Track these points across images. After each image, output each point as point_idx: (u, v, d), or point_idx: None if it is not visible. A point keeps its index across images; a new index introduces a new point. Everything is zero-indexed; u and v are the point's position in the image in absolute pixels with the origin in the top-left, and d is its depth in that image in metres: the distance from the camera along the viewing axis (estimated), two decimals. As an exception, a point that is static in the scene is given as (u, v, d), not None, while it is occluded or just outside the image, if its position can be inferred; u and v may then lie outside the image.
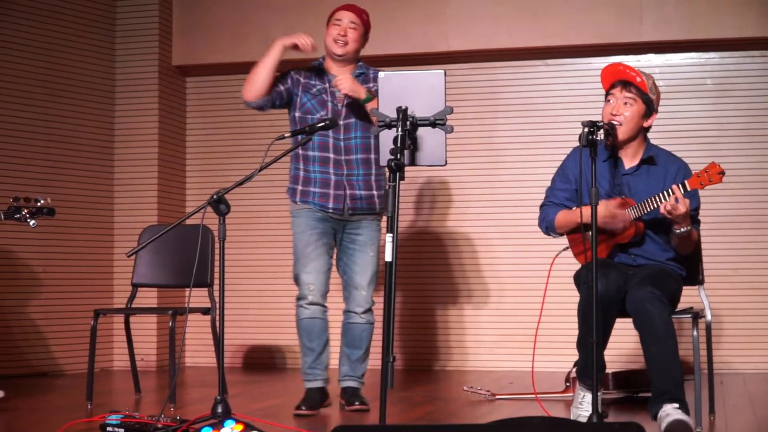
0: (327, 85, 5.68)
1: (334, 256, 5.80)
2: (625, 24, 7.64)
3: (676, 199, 4.61)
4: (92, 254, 8.06)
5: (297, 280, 5.66)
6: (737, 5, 7.47)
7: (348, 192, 5.63)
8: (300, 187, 5.65)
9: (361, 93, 5.52)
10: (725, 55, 7.74)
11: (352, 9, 5.75)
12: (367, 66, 5.81)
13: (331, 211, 5.63)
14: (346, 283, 5.75)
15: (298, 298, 5.64)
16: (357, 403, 5.62)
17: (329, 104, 5.64)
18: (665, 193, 4.69)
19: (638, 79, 4.86)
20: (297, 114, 5.65)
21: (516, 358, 7.71)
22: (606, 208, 4.76)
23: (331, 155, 5.62)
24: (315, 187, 5.63)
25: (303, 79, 5.69)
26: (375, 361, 7.81)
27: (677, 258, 4.96)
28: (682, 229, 4.73)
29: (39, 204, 5.81)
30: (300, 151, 5.62)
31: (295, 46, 5.54)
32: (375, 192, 5.70)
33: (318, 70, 5.75)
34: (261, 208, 8.28)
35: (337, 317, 5.89)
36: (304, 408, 5.47)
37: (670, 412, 4.49)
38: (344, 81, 5.53)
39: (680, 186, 4.65)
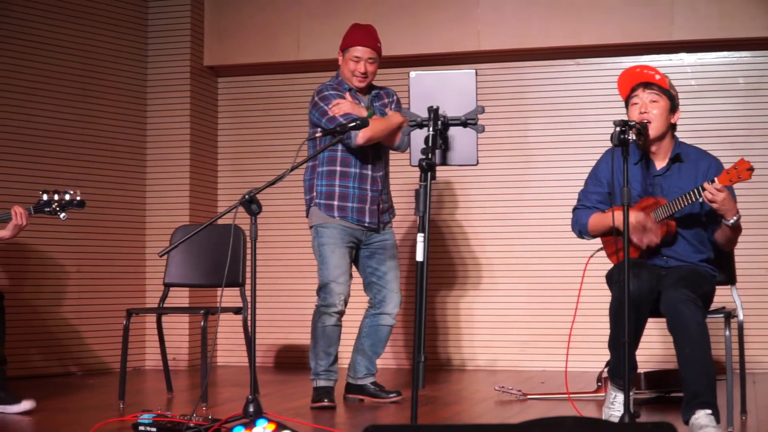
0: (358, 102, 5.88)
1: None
2: (656, 23, 7.61)
3: (712, 192, 4.59)
4: (125, 254, 8.10)
5: (325, 288, 5.78)
6: (769, 4, 7.44)
7: (381, 206, 5.90)
8: (336, 203, 5.80)
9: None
10: (757, 54, 7.70)
11: (371, 45, 5.88)
12: (378, 87, 6.00)
13: (367, 224, 5.85)
14: (379, 288, 5.94)
15: (326, 305, 5.77)
16: (393, 395, 5.89)
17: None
18: (696, 190, 4.67)
19: (657, 77, 4.85)
20: None
21: (547, 358, 7.68)
22: (637, 218, 4.74)
23: (369, 172, 5.84)
24: (353, 203, 5.82)
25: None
26: (400, 360, 7.85)
27: (710, 259, 4.94)
28: (733, 219, 4.71)
29: (68, 196, 5.79)
30: (338, 168, 5.79)
31: None
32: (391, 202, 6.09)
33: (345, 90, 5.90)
34: (292, 208, 8.27)
35: (355, 317, 6.08)
36: (326, 400, 5.65)
37: (703, 422, 4.46)
38: None
39: (710, 183, 4.63)
